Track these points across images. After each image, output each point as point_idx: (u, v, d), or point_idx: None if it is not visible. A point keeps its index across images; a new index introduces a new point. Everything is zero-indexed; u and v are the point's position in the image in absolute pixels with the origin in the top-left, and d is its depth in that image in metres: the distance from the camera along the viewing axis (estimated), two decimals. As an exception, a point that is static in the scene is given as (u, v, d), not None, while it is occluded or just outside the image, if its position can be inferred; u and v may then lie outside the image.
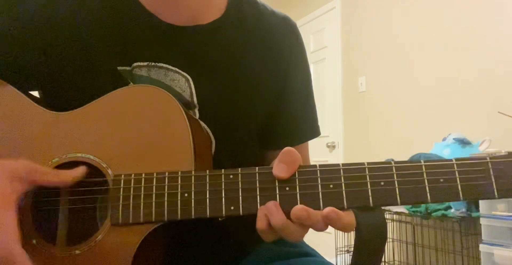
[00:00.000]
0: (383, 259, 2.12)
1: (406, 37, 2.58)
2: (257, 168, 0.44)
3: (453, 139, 1.99)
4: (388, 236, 2.10)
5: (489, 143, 1.92)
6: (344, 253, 2.26)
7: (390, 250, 2.34)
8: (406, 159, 1.88)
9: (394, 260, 2.32)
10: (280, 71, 0.64)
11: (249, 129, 0.62)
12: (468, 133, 2.05)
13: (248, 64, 0.61)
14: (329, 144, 3.21)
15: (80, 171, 0.47)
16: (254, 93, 0.61)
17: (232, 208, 0.43)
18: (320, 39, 3.39)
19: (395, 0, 2.68)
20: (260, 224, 0.42)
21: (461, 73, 2.21)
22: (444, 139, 2.11)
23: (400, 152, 2.42)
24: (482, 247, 1.64)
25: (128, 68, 0.56)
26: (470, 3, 2.19)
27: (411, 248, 2.22)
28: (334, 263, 2.12)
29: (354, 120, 2.99)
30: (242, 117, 0.61)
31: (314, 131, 0.69)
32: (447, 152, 1.97)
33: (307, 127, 0.68)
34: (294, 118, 0.66)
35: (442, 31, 2.33)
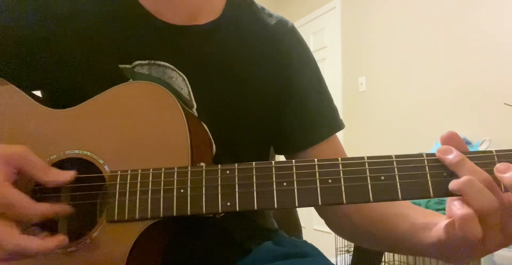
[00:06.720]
0: (383, 259, 2.11)
1: (406, 37, 2.57)
2: (254, 163, 0.43)
3: (454, 138, 1.99)
4: (388, 236, 2.09)
5: (489, 142, 1.91)
6: (344, 253, 2.25)
7: (390, 250, 2.33)
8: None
9: (394, 260, 2.31)
10: (282, 71, 0.63)
11: (249, 130, 0.61)
12: (468, 133, 2.04)
13: (246, 64, 0.61)
14: (329, 144, 3.20)
15: (71, 175, 0.45)
16: (253, 94, 0.61)
17: (228, 204, 0.42)
18: (320, 39, 3.38)
19: (395, 0, 2.68)
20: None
21: (461, 73, 2.20)
22: (444, 139, 2.11)
23: (400, 152, 2.35)
24: (482, 247, 1.63)
25: (129, 66, 0.56)
26: (471, 2, 2.18)
27: (411, 248, 2.21)
28: (334, 263, 2.11)
29: (354, 120, 2.99)
30: (241, 118, 0.60)
31: (336, 124, 0.65)
32: (447, 151, 1.97)
33: (326, 121, 0.64)
34: (310, 115, 0.63)
35: (442, 31, 2.32)
